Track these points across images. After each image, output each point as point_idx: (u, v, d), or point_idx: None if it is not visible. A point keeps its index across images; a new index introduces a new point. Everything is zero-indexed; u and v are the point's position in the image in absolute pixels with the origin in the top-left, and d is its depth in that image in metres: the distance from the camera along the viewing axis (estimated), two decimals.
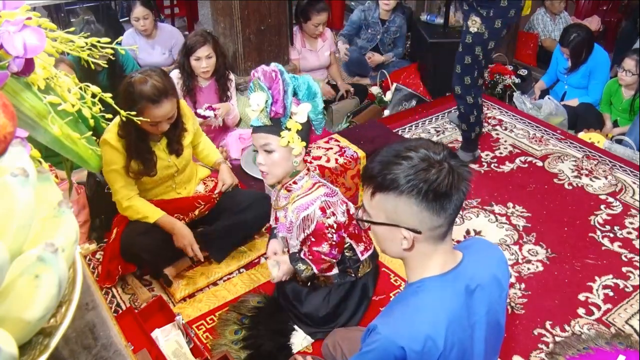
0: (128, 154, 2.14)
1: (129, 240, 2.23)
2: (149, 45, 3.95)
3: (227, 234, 2.42)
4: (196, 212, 2.39)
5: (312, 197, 1.86)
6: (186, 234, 2.26)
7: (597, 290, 2.36)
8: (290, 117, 1.76)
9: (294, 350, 2.02)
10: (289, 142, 1.76)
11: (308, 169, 1.92)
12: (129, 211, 2.23)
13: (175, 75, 3.15)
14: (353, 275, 2.04)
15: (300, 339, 2.07)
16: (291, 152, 1.80)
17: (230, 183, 2.45)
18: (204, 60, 3.03)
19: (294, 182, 1.88)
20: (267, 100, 1.73)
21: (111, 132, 2.14)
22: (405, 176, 1.10)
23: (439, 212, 1.12)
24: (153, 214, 2.24)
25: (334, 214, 1.84)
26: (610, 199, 2.93)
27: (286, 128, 1.76)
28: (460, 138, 3.51)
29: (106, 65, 0.74)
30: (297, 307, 2.08)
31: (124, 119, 1.93)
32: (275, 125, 1.76)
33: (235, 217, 2.41)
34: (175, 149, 2.26)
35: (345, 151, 2.74)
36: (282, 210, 1.96)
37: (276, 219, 2.01)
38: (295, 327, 2.10)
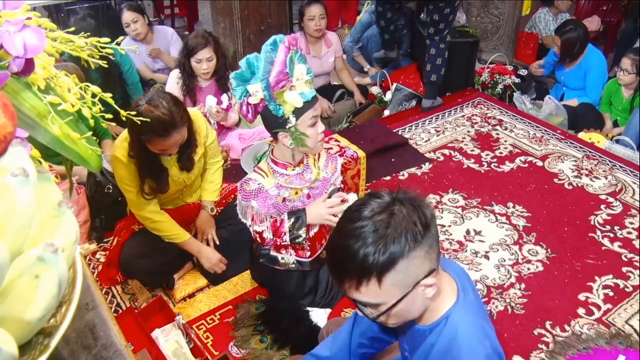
0: (140, 175, 2.09)
1: (128, 261, 2.23)
2: (148, 50, 3.92)
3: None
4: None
5: (325, 154, 2.01)
6: (211, 256, 2.30)
7: (597, 290, 2.36)
8: None
9: (321, 325, 2.03)
10: None
11: None
12: (154, 225, 2.18)
13: (175, 74, 3.15)
14: None
15: (321, 315, 2.11)
16: None
17: (207, 233, 2.36)
18: (204, 63, 3.03)
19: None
20: (308, 68, 1.74)
21: (122, 148, 2.05)
22: (397, 237, 1.02)
23: (434, 237, 1.08)
24: (181, 235, 2.22)
25: None
26: (610, 199, 2.93)
27: None
28: (460, 138, 3.51)
29: (106, 65, 0.74)
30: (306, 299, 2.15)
31: (132, 124, 1.93)
32: None
33: (233, 241, 2.38)
34: (185, 165, 2.19)
35: (345, 151, 2.74)
36: (311, 184, 1.95)
37: (308, 196, 1.95)
38: (308, 308, 2.13)
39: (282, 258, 2.09)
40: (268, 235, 1.92)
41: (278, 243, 1.96)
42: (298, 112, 1.74)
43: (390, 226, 1.03)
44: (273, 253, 2.08)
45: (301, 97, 1.72)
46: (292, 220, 1.91)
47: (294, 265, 2.09)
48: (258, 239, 1.96)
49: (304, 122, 1.76)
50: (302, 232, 1.92)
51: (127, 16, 3.72)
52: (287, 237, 1.92)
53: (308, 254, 2.06)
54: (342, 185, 2.11)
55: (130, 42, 3.85)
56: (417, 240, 1.03)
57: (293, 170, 1.91)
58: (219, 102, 3.16)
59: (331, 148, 2.00)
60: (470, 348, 1.11)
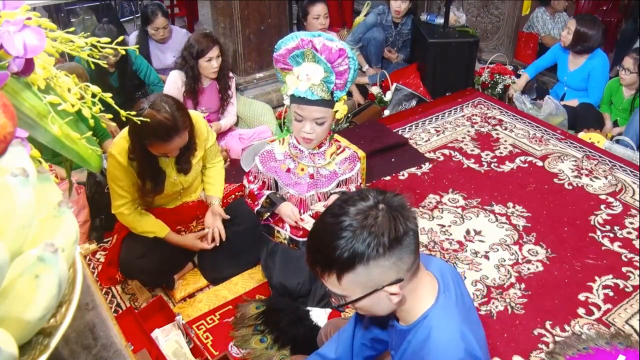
0: (141, 177, 2.09)
1: (128, 262, 2.23)
2: (159, 49, 3.90)
3: (223, 259, 2.39)
4: (194, 224, 2.39)
5: (349, 153, 2.11)
6: (195, 244, 2.30)
7: (597, 290, 2.36)
8: None
9: (321, 325, 2.03)
10: (339, 110, 1.89)
11: None
12: (133, 224, 2.17)
13: (176, 75, 3.14)
14: None
15: (321, 315, 2.11)
16: (335, 116, 1.93)
17: (217, 229, 2.31)
18: (214, 60, 3.07)
19: (325, 141, 2.04)
20: (327, 76, 1.81)
21: (119, 146, 2.04)
22: (362, 242, 1.04)
23: (407, 250, 1.08)
24: (158, 232, 2.21)
25: None
26: (610, 199, 2.93)
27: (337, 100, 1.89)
28: (460, 138, 3.51)
29: (105, 66, 0.74)
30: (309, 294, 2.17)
31: (133, 127, 1.94)
32: (332, 99, 1.87)
33: (234, 241, 2.36)
34: (183, 168, 2.19)
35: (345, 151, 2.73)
36: (319, 168, 2.04)
37: (311, 176, 2.06)
38: (308, 308, 2.14)
39: (278, 231, 2.17)
40: (246, 192, 2.15)
41: (251, 204, 2.14)
42: (291, 98, 1.89)
43: (359, 230, 1.05)
44: (272, 224, 2.18)
45: (294, 89, 1.85)
46: (267, 200, 2.09)
47: (286, 241, 2.16)
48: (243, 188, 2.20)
49: (292, 110, 1.91)
50: (267, 214, 2.11)
51: (161, 22, 3.72)
52: (256, 209, 2.12)
53: (300, 232, 2.13)
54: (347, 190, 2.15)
55: (139, 36, 3.85)
56: (379, 252, 1.05)
57: (308, 149, 2.03)
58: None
59: (355, 153, 2.14)
60: (440, 350, 1.11)
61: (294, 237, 2.14)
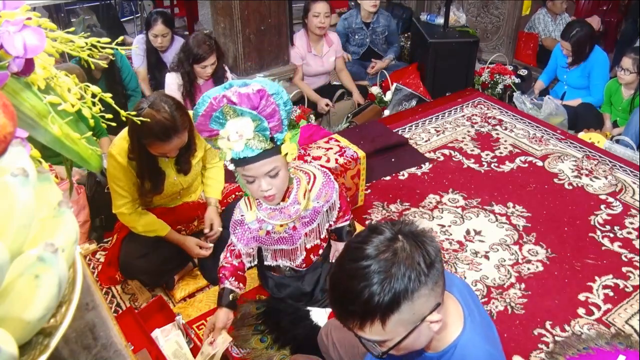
0: (140, 177, 2.09)
1: (127, 262, 2.23)
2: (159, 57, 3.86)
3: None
4: (195, 223, 2.40)
5: (322, 180, 1.89)
6: (193, 250, 2.28)
7: (597, 290, 2.36)
8: None
9: (321, 325, 2.01)
10: (289, 153, 1.65)
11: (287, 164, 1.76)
12: (133, 223, 2.18)
13: (174, 78, 3.14)
14: None
15: (321, 315, 2.09)
16: (287, 160, 1.68)
17: (216, 226, 2.31)
18: (209, 67, 3.09)
19: (290, 185, 1.80)
20: (258, 124, 1.55)
21: (119, 147, 2.05)
22: (401, 278, 0.99)
23: (439, 272, 1.05)
24: (159, 230, 2.21)
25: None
26: (610, 199, 2.93)
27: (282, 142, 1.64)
28: (460, 138, 3.51)
29: (105, 66, 0.74)
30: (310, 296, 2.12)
31: (132, 125, 1.93)
32: (275, 144, 1.62)
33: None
34: (183, 169, 2.18)
35: (345, 151, 2.74)
36: (297, 218, 1.86)
37: (294, 228, 1.88)
38: (308, 307, 2.12)
39: (278, 265, 2.04)
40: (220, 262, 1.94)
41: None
42: (233, 162, 1.64)
43: (394, 266, 1.00)
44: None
45: (231, 153, 1.59)
46: (223, 290, 1.88)
47: (288, 272, 2.06)
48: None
49: (240, 174, 1.68)
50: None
51: (160, 29, 3.61)
52: (219, 290, 1.92)
53: (304, 265, 2.03)
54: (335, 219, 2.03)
55: (141, 40, 3.80)
56: (421, 281, 1.00)
57: (277, 204, 1.80)
58: None
59: (327, 173, 1.94)
60: None
61: (297, 269, 2.03)
